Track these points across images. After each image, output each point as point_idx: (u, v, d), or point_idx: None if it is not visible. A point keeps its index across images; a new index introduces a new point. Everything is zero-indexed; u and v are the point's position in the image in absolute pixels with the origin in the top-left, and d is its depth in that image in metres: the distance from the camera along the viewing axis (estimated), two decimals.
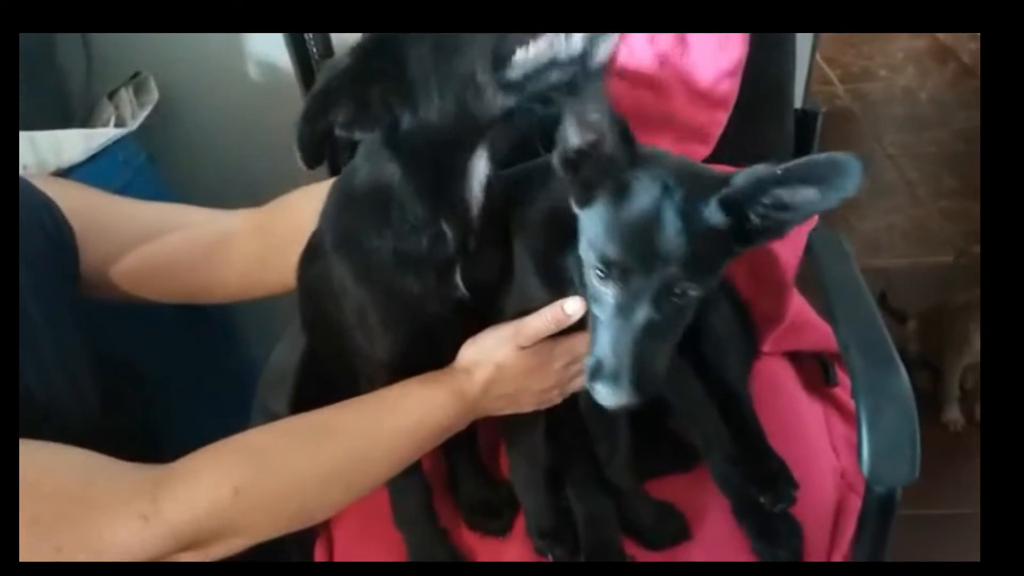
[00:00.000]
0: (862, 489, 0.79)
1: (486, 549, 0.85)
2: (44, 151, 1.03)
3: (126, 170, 1.15)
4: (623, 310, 0.60)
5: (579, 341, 0.71)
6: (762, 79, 0.94)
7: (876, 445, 0.70)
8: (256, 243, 0.88)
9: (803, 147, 1.04)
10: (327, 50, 1.03)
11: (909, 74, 2.86)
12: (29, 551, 0.57)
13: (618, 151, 0.60)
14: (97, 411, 0.80)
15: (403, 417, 0.71)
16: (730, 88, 0.91)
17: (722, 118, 0.92)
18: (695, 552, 0.81)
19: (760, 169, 0.58)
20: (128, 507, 0.60)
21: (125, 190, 1.11)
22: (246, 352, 1.41)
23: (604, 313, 0.62)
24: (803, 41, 1.03)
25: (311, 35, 1.02)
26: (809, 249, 0.95)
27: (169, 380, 1.18)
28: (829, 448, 0.91)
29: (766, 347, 0.99)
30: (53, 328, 0.73)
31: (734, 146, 0.95)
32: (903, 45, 3.03)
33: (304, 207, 0.76)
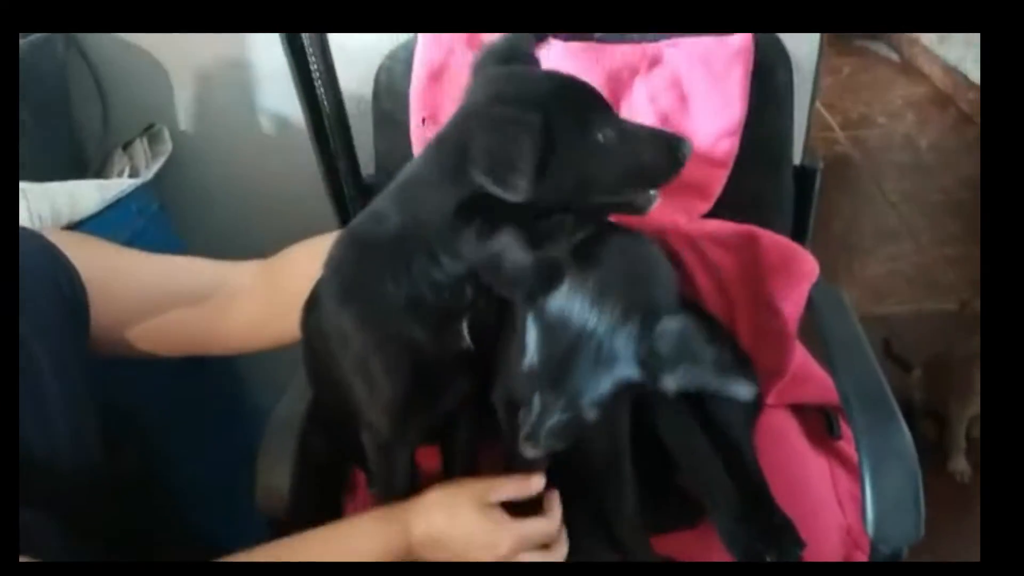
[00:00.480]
0: (867, 546, 0.79)
1: None
2: (59, 202, 1.04)
3: (139, 219, 1.17)
4: (540, 398, 0.64)
5: (532, 529, 0.75)
6: (760, 136, 0.96)
7: (880, 506, 0.71)
8: (261, 299, 0.89)
9: (803, 202, 1.05)
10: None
11: (908, 121, 2.89)
12: None
13: (543, 293, 0.64)
14: (99, 461, 0.80)
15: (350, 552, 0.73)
16: (730, 147, 0.93)
17: (722, 176, 0.94)
18: None
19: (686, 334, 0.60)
20: None
21: (137, 238, 1.13)
22: (249, 397, 1.41)
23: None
24: (802, 96, 1.04)
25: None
26: (809, 303, 0.96)
27: (171, 427, 1.18)
28: (835, 503, 0.91)
29: (769, 399, 0.99)
30: (63, 387, 0.74)
31: (733, 202, 0.97)
32: (902, 92, 3.07)
33: (308, 261, 0.77)
